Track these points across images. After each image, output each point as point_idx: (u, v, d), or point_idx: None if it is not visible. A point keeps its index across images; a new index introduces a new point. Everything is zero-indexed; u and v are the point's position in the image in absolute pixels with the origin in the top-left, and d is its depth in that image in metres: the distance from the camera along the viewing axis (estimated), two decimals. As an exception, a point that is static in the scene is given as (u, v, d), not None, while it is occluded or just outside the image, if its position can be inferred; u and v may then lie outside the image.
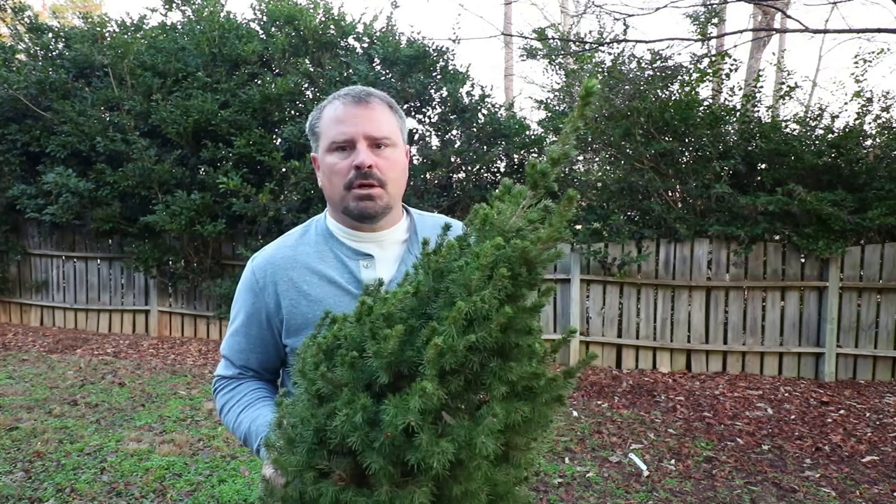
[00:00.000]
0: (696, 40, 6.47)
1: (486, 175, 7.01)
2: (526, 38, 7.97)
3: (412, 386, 0.74)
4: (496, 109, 6.63)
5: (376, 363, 0.78)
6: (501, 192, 0.89)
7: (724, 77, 6.04)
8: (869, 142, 5.76)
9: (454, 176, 6.85)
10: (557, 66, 8.04)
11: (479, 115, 6.50)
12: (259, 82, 6.54)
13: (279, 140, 6.47)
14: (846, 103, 5.95)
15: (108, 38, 6.99)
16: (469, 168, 6.80)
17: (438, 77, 6.58)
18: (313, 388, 0.84)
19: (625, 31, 6.43)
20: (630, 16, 6.08)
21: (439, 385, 0.74)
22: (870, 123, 5.74)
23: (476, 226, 0.86)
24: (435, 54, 6.51)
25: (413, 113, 6.74)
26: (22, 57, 7.42)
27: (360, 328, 0.84)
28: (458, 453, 0.75)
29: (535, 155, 7.14)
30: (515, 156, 6.93)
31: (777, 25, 9.11)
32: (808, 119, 5.84)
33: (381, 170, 1.16)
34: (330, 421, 0.79)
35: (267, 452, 0.88)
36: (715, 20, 8.18)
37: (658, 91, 5.90)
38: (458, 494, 0.79)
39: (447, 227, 0.95)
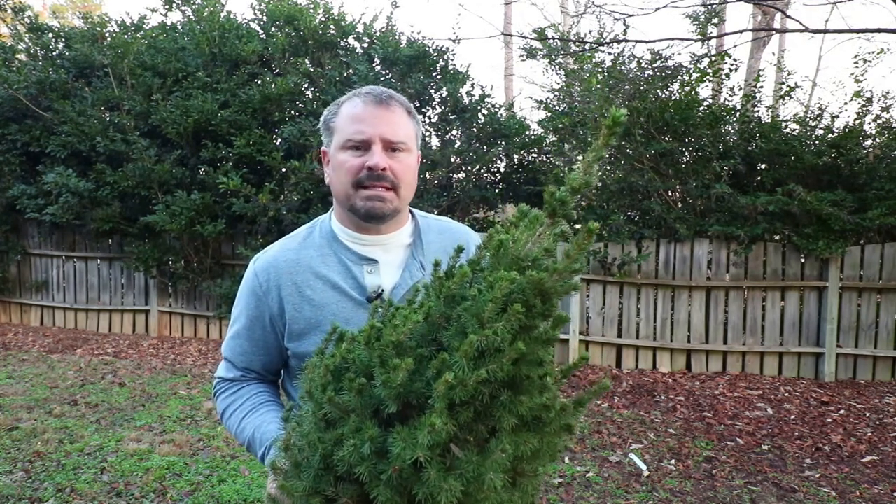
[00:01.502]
0: (696, 40, 6.48)
1: (486, 175, 7.01)
2: (526, 38, 7.97)
3: (421, 419, 0.73)
4: (496, 109, 6.64)
5: (385, 392, 0.77)
6: (517, 218, 0.87)
7: (724, 77, 6.04)
8: (869, 142, 5.76)
9: (454, 176, 6.85)
10: (557, 66, 8.05)
11: (479, 115, 6.51)
12: (259, 82, 6.54)
13: (279, 140, 6.47)
14: (846, 103, 5.95)
15: (108, 38, 6.99)
16: (469, 168, 6.80)
17: (438, 77, 6.58)
18: (320, 411, 0.83)
19: (625, 31, 6.43)
20: (630, 16, 6.09)
21: (448, 417, 0.73)
22: (870, 123, 5.74)
23: (490, 250, 0.84)
24: (435, 54, 6.51)
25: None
26: (22, 57, 7.43)
27: (370, 353, 0.83)
28: (467, 488, 0.74)
29: (536, 155, 7.15)
30: (515, 156, 6.94)
31: (777, 25, 9.11)
32: (808, 119, 5.84)
33: (395, 173, 1.15)
34: (337, 448, 0.79)
35: (273, 475, 0.88)
36: (715, 20, 8.18)
37: (658, 91, 5.90)
38: None
39: (460, 250, 0.93)
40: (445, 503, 0.73)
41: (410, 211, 1.30)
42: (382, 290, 1.18)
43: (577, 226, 0.77)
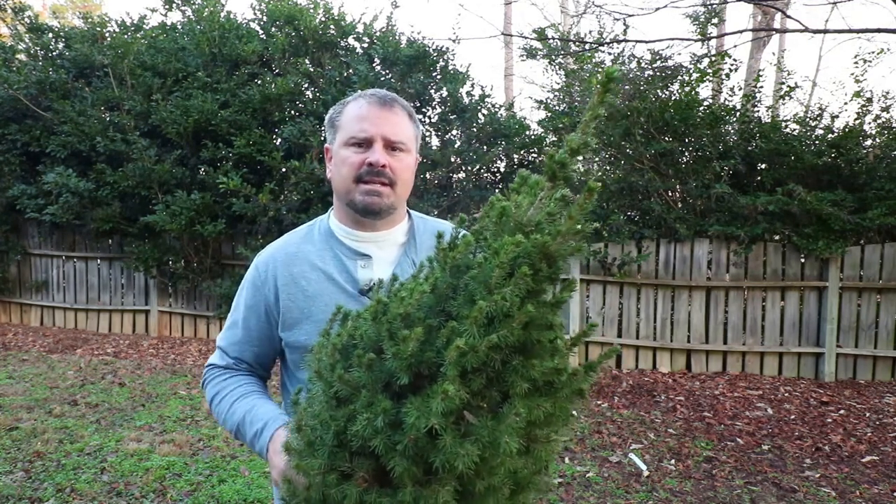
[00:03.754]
0: (696, 40, 6.48)
1: (486, 175, 7.01)
2: (526, 38, 7.97)
3: (433, 387, 0.74)
4: (496, 109, 6.63)
5: (396, 364, 0.77)
6: (518, 184, 0.87)
7: (724, 77, 6.04)
8: (869, 142, 5.76)
9: (454, 176, 6.85)
10: (557, 66, 8.05)
11: (479, 115, 6.50)
12: (259, 82, 6.54)
13: (279, 140, 6.47)
14: (846, 103, 5.95)
15: (108, 38, 6.99)
16: (469, 168, 6.80)
17: (438, 77, 6.58)
18: (331, 390, 0.84)
19: (625, 31, 6.43)
20: (630, 16, 6.09)
21: (461, 384, 0.73)
22: (870, 123, 5.75)
23: (492, 219, 0.84)
24: (435, 54, 6.50)
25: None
26: (22, 57, 7.42)
27: (377, 327, 0.83)
28: (483, 453, 0.75)
29: (536, 155, 7.15)
30: (515, 156, 6.93)
31: (777, 25, 9.11)
32: (808, 119, 5.84)
33: (393, 170, 1.21)
34: (350, 424, 0.79)
35: (287, 455, 0.89)
36: (715, 20, 8.18)
37: (658, 91, 5.90)
38: (482, 490, 0.79)
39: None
40: (463, 468, 0.73)
41: (408, 212, 1.35)
42: (374, 284, 1.23)
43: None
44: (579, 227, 0.76)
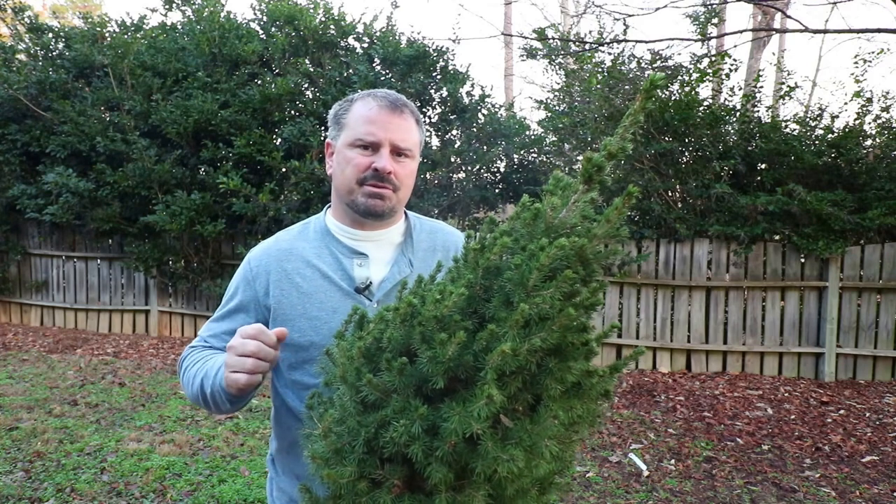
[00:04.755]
0: (696, 40, 6.48)
1: (486, 175, 7.01)
2: (526, 38, 7.97)
3: (471, 391, 0.73)
4: (496, 109, 6.64)
5: (432, 369, 0.75)
6: (552, 186, 0.86)
7: (724, 77, 6.04)
8: (869, 142, 5.76)
9: (454, 176, 6.86)
10: (557, 66, 8.05)
11: (479, 115, 6.51)
12: (259, 82, 6.54)
13: (279, 140, 6.47)
14: (846, 103, 5.95)
15: (108, 38, 6.99)
16: (469, 168, 6.80)
17: (438, 77, 6.58)
18: (358, 395, 0.81)
19: (625, 31, 6.43)
20: (630, 16, 6.09)
21: (498, 388, 0.73)
22: (870, 123, 5.74)
23: (525, 220, 0.83)
24: (435, 54, 6.51)
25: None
26: (22, 57, 7.42)
27: (408, 330, 0.81)
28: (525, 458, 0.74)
29: (536, 155, 7.15)
30: (515, 156, 6.94)
31: (777, 25, 9.11)
32: (807, 119, 5.84)
33: (398, 177, 1.20)
34: (383, 431, 0.77)
35: (314, 465, 0.85)
36: (715, 20, 8.18)
37: (658, 91, 5.90)
38: (512, 493, 0.78)
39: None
40: (506, 473, 0.72)
41: (405, 212, 1.34)
42: (371, 283, 1.21)
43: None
44: (616, 232, 0.76)
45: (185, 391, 1.22)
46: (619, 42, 6.38)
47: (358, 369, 0.83)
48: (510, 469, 0.72)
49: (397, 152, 1.20)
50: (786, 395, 5.00)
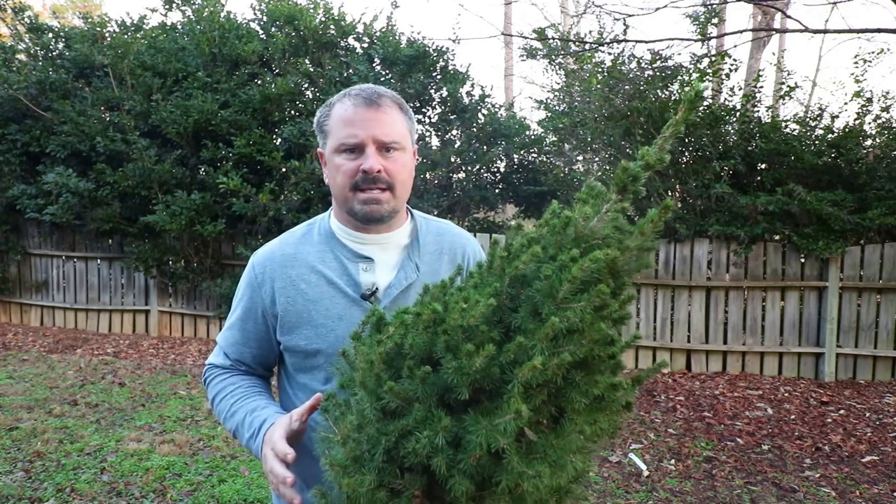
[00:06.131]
0: (696, 40, 6.47)
1: (486, 175, 7.01)
2: (526, 38, 7.97)
3: (497, 403, 0.71)
4: (496, 109, 6.64)
5: (457, 380, 0.73)
6: (585, 195, 0.84)
7: (724, 77, 6.04)
8: (869, 142, 5.76)
9: (454, 176, 6.86)
10: (557, 66, 8.05)
11: (479, 115, 6.51)
12: (259, 82, 6.54)
13: (279, 140, 6.48)
14: (846, 103, 5.95)
15: (108, 38, 6.99)
16: (469, 168, 6.80)
17: (438, 77, 6.58)
18: (378, 402, 0.79)
19: (625, 31, 6.43)
20: (630, 16, 6.09)
21: (524, 401, 0.72)
22: (870, 123, 5.74)
23: (553, 227, 0.81)
24: (435, 54, 6.51)
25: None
26: (22, 57, 7.42)
27: (432, 338, 0.79)
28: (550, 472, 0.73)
29: (536, 155, 7.15)
30: (515, 156, 6.94)
31: (777, 25, 9.11)
32: (807, 119, 5.83)
33: (389, 173, 1.15)
34: (404, 440, 0.75)
35: (333, 472, 0.84)
36: (715, 20, 8.17)
37: (658, 91, 5.90)
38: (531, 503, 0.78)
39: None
40: (531, 488, 0.71)
41: (410, 212, 1.31)
42: (377, 288, 1.19)
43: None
44: (650, 245, 0.74)
45: (216, 417, 1.26)
46: (619, 42, 6.38)
47: (378, 375, 0.81)
48: (535, 485, 0.71)
49: (384, 147, 1.14)
50: (786, 395, 5.00)
